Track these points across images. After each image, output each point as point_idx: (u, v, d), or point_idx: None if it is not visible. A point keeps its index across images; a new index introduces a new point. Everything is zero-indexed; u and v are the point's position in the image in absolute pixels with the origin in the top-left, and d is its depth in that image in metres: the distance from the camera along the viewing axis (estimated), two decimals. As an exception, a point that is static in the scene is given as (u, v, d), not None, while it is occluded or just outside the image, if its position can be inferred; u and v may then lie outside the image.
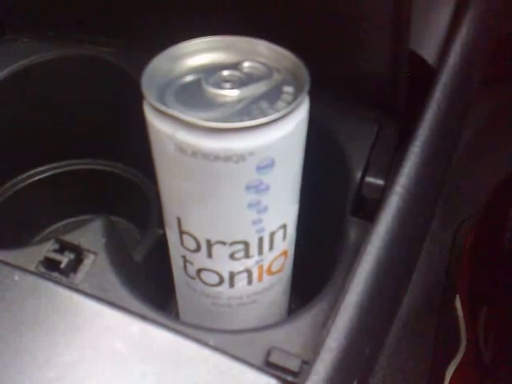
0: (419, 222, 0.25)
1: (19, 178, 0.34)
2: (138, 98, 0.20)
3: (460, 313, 0.48)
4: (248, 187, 0.21)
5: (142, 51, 0.21)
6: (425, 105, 0.20)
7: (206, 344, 0.20)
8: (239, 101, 0.20)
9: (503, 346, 0.42)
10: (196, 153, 0.19)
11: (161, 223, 0.26)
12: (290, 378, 0.19)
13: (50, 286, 0.21)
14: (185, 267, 0.24)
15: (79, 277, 0.22)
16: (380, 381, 0.40)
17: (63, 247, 0.23)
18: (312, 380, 0.18)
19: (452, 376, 0.45)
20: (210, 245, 0.22)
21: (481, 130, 0.53)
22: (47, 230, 0.36)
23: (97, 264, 0.23)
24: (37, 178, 0.34)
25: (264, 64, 0.21)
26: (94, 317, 0.20)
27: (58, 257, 0.22)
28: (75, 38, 0.30)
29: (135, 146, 0.26)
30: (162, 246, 0.26)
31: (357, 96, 0.23)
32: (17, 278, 0.21)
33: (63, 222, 0.37)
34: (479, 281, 0.47)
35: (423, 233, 0.35)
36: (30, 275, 0.21)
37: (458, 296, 0.49)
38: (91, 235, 0.23)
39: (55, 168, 0.34)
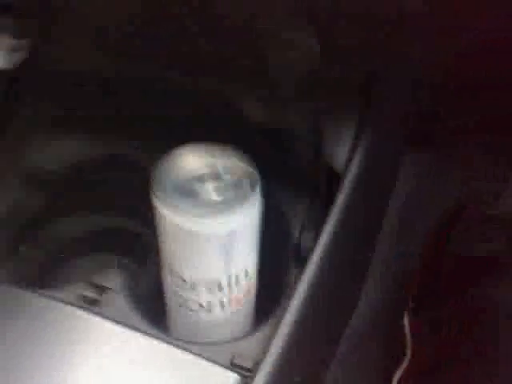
0: (346, 266, 0.36)
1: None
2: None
3: (407, 329, 0.59)
4: (220, 246, 0.31)
5: (154, 152, 0.32)
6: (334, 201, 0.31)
7: (190, 352, 0.30)
8: (216, 201, 0.30)
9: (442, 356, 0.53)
10: (187, 231, 0.29)
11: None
12: (246, 373, 0.29)
13: (88, 315, 0.31)
14: (175, 297, 0.35)
15: (104, 308, 0.32)
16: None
17: (92, 286, 0.33)
18: (260, 374, 0.28)
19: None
20: (193, 282, 0.33)
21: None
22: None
23: (115, 298, 0.33)
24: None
25: (234, 173, 0.31)
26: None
27: (90, 294, 0.32)
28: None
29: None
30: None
31: (295, 183, 0.34)
32: (62, 310, 0.31)
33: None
34: (424, 299, 0.58)
35: (361, 266, 0.46)
36: (75, 308, 0.31)
37: (405, 313, 0.60)
38: (112, 276, 0.34)
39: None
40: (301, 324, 0.31)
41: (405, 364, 0.58)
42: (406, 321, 0.60)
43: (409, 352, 0.58)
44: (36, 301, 0.32)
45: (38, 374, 0.29)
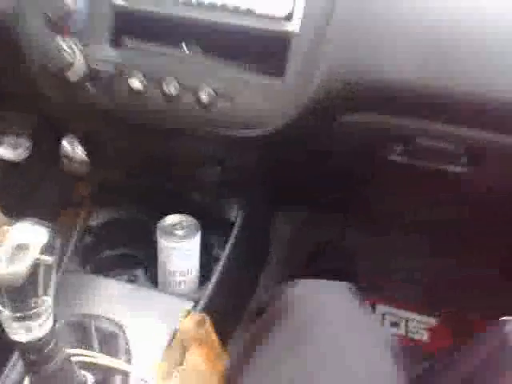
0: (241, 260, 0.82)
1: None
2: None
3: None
4: (183, 254, 0.77)
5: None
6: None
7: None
8: (182, 235, 0.76)
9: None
10: (170, 247, 0.75)
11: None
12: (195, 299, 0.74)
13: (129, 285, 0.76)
14: (164, 277, 0.80)
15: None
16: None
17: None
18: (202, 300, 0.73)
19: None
20: (171, 272, 0.78)
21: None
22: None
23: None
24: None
25: (189, 223, 0.77)
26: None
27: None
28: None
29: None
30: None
31: (215, 227, 0.80)
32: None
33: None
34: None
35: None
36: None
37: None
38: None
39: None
40: (221, 281, 0.76)
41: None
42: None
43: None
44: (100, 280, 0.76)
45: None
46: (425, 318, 1.10)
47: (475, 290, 1.05)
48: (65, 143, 1.12)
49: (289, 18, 0.57)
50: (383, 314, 1.10)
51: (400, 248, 1.11)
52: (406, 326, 1.09)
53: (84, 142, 0.86)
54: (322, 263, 1.13)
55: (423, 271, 1.10)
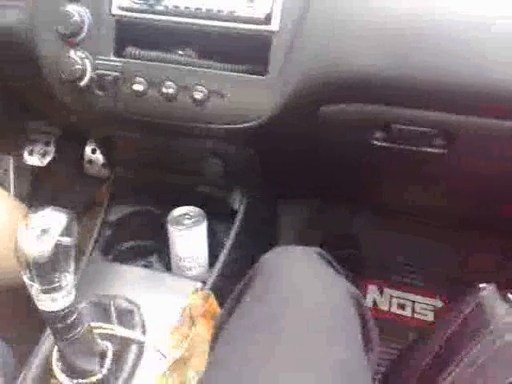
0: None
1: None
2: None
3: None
4: (192, 242, 0.85)
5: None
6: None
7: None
8: (190, 223, 0.84)
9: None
10: (179, 235, 0.83)
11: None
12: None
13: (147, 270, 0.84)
14: (175, 262, 0.88)
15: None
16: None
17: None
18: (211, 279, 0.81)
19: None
20: (181, 258, 0.86)
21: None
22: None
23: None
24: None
25: (197, 213, 0.85)
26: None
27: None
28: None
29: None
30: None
31: (221, 217, 0.88)
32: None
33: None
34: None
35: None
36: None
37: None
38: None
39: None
40: (226, 265, 0.84)
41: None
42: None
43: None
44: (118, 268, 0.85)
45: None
46: (430, 300, 1.15)
47: (479, 272, 1.10)
48: (87, 149, 1.23)
49: (268, 18, 0.65)
50: (390, 296, 1.16)
51: (405, 234, 1.16)
52: (413, 307, 1.15)
53: (101, 145, 0.95)
54: (329, 251, 1.19)
55: (426, 255, 1.15)
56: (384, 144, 0.74)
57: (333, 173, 0.92)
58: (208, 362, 0.55)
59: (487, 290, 0.65)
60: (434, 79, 0.64)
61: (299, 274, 0.56)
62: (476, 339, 0.62)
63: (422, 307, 1.14)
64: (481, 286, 0.67)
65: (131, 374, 0.68)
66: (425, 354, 0.69)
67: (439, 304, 1.14)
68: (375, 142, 0.74)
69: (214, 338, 0.60)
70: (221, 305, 0.76)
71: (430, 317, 1.12)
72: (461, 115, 0.67)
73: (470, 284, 0.65)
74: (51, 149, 1.21)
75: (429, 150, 0.72)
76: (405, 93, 0.66)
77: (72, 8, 0.68)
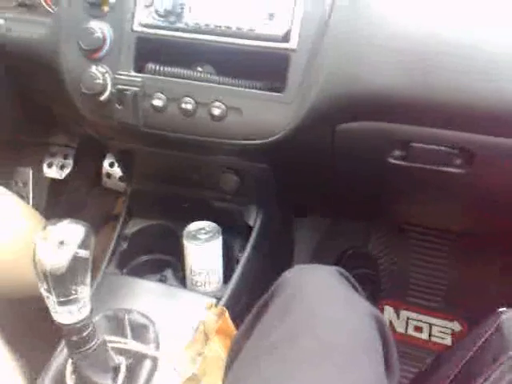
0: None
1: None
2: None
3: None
4: (206, 256, 0.85)
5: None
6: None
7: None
8: (205, 238, 0.84)
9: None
10: (194, 249, 0.83)
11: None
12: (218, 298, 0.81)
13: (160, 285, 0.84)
14: (190, 277, 0.87)
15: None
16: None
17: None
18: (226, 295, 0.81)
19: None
20: (196, 272, 0.86)
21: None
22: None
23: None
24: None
25: (211, 228, 0.85)
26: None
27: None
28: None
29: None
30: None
31: (236, 232, 0.87)
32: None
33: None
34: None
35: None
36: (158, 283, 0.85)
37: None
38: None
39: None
40: (241, 281, 0.83)
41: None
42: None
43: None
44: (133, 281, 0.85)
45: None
46: (448, 323, 1.12)
47: (496, 295, 1.07)
48: (105, 162, 1.24)
49: (287, 36, 0.65)
50: (407, 319, 1.14)
51: (422, 254, 1.15)
52: (430, 330, 1.12)
53: (119, 159, 0.96)
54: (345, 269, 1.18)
55: (445, 276, 1.13)
56: (402, 163, 0.74)
57: (348, 190, 0.92)
58: (226, 382, 0.54)
59: (507, 314, 0.64)
60: (454, 99, 0.63)
61: (321, 295, 0.55)
62: (495, 364, 0.61)
63: (440, 330, 1.12)
64: (501, 310, 0.66)
65: (144, 389, 0.68)
66: (442, 379, 0.67)
67: (458, 327, 1.11)
68: (393, 161, 0.74)
69: (232, 357, 0.59)
70: (234, 321, 0.75)
71: (448, 341, 1.10)
72: (480, 135, 0.66)
73: (490, 308, 0.63)
74: (69, 162, 1.23)
75: (448, 169, 0.71)
76: (424, 112, 0.66)
77: (95, 24, 0.69)
